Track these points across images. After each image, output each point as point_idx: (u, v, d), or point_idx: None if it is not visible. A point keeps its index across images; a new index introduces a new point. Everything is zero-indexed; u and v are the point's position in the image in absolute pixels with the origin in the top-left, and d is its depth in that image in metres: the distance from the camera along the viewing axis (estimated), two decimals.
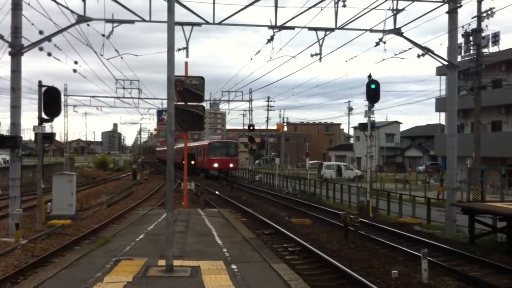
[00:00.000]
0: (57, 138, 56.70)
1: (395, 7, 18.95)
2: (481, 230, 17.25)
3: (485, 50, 30.73)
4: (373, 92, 23.16)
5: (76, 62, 24.34)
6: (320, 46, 19.88)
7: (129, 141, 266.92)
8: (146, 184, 46.09)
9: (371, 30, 19.66)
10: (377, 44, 19.75)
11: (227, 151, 53.73)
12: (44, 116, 18.87)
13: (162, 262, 9.40)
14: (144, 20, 18.65)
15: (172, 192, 9.27)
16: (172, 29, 8.97)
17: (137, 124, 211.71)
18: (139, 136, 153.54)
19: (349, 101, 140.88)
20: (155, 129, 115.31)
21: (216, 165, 52.01)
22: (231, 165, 52.80)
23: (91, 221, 20.78)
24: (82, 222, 20.38)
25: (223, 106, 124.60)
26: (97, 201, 29.45)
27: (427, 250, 11.62)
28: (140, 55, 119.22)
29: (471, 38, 29.31)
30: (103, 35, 18.80)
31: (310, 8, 18.81)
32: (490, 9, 26.60)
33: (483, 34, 29.39)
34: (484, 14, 27.12)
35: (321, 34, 19.67)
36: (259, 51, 23.25)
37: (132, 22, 18.78)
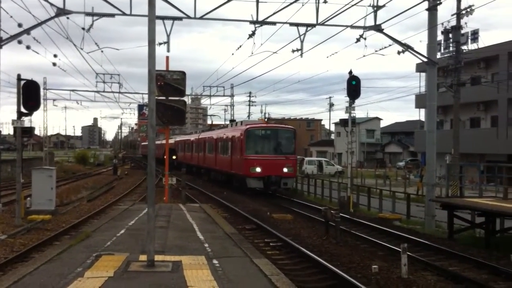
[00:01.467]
0: (36, 132, 55.92)
1: (375, 4, 19.09)
2: (460, 225, 17.50)
3: (464, 47, 31.07)
4: (354, 88, 23.31)
5: (55, 56, 24.12)
6: (301, 41, 20.00)
7: (109, 135, 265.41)
8: (127, 179, 45.79)
9: (352, 27, 19.78)
10: (358, 40, 19.89)
11: (279, 144, 31.00)
12: (23, 110, 18.69)
13: (143, 257, 9.37)
14: (124, 14, 18.52)
15: (154, 187, 9.22)
16: (153, 23, 8.92)
17: (117, 119, 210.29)
18: (119, 130, 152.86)
19: (330, 97, 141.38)
20: (136, 124, 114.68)
21: (258, 169, 30.05)
22: (285, 169, 30.44)
23: (71, 216, 20.61)
24: (62, 217, 20.22)
25: (204, 101, 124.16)
26: (77, 196, 29.21)
27: (406, 245, 11.76)
28: (121, 49, 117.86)
29: (450, 35, 29.58)
30: (83, 29, 18.68)
31: (291, 3, 18.87)
32: (469, 6, 26.98)
33: (462, 32, 29.67)
34: (464, 12, 27.43)
35: (302, 29, 19.78)
36: (240, 46, 23.28)
37: (112, 15, 18.64)
